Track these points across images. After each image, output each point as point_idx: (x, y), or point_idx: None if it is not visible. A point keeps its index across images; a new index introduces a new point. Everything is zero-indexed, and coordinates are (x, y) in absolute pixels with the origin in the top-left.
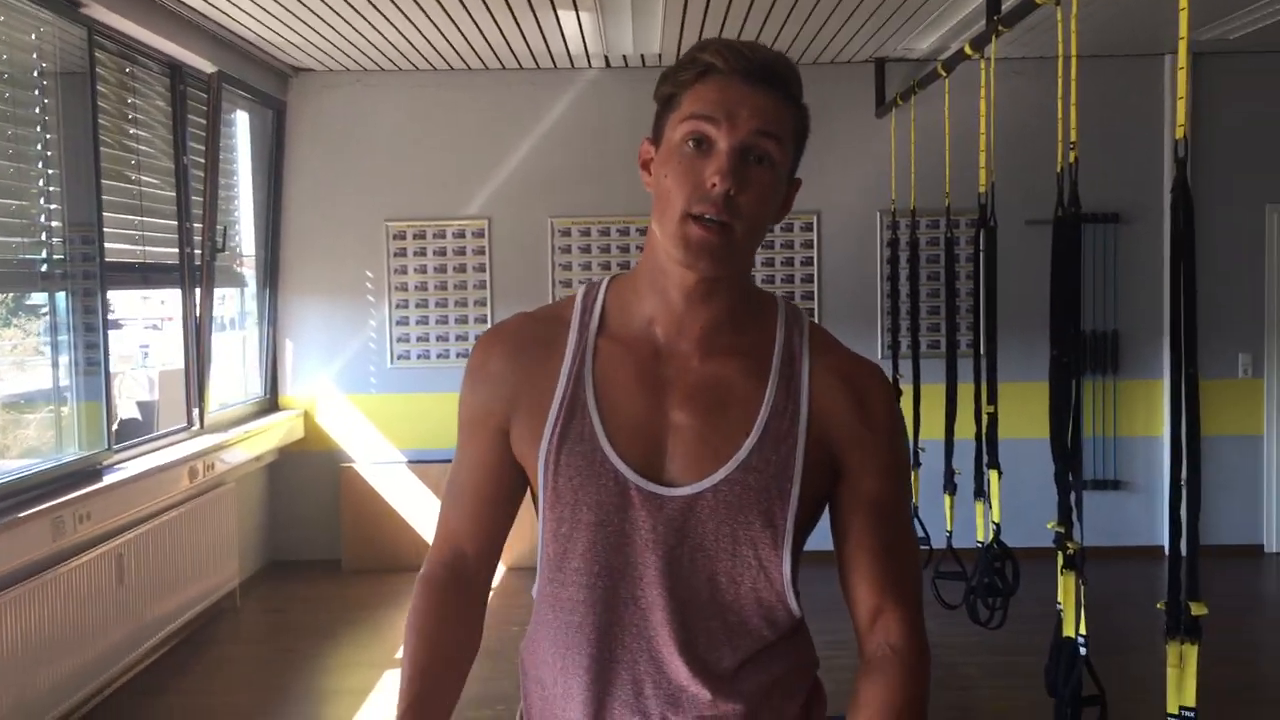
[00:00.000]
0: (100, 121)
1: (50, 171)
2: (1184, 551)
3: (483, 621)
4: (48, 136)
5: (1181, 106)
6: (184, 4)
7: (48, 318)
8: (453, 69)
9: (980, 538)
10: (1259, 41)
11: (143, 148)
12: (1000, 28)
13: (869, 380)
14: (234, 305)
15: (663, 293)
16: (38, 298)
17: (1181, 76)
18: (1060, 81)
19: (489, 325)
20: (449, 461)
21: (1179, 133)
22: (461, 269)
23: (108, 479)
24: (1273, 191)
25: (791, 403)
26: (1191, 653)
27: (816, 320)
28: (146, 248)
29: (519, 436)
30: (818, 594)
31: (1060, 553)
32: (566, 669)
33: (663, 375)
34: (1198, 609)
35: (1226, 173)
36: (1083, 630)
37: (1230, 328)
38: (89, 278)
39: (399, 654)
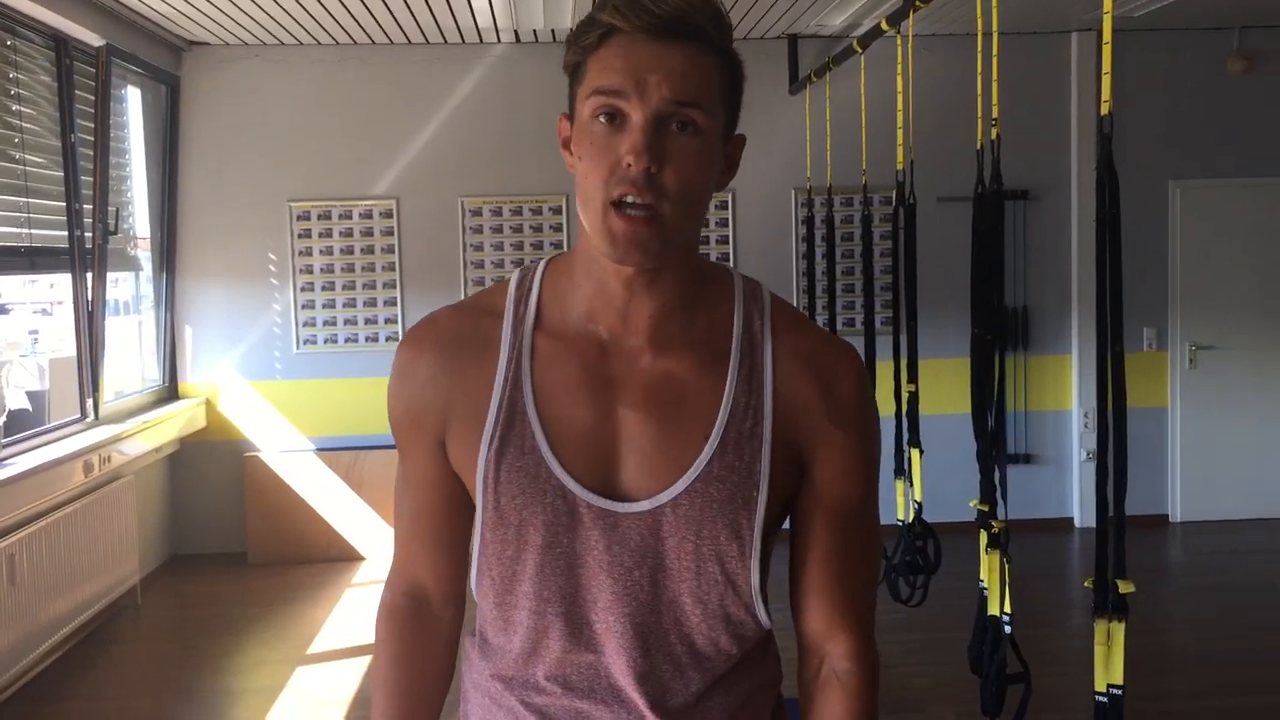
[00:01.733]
0: None
1: None
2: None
3: (455, 650)
4: None
5: (1106, 82)
6: None
7: None
8: (357, 43)
9: (900, 516)
10: (1161, 20)
11: (27, 125)
12: (918, 3)
13: (838, 365)
14: (128, 289)
15: (600, 282)
16: None
17: (1105, 51)
18: (980, 58)
19: (399, 308)
20: (359, 449)
21: (1104, 109)
22: (369, 250)
23: None
24: (1175, 167)
25: (754, 398)
26: (1119, 630)
27: None
28: (33, 230)
29: (455, 448)
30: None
31: (984, 531)
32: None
33: (610, 375)
34: (1125, 587)
35: (1130, 149)
36: (1007, 609)
37: (1135, 302)
38: None
39: (309, 649)
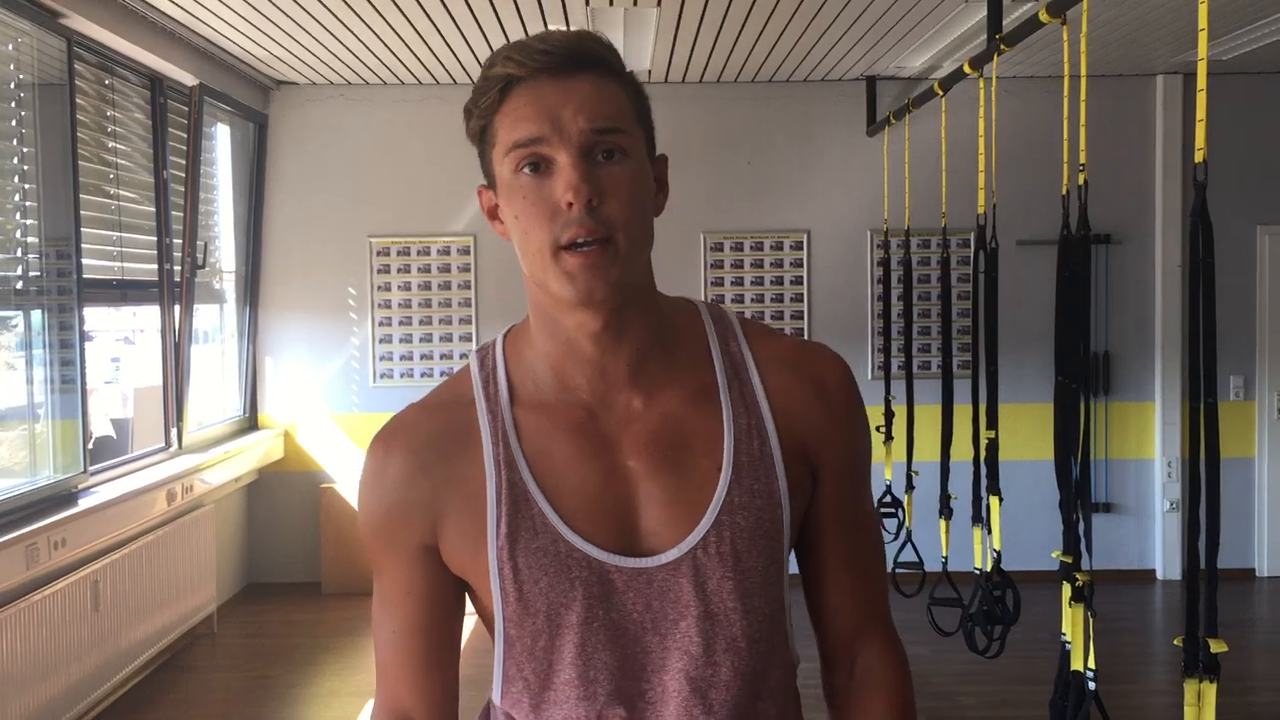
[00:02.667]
0: (79, 134)
1: (27, 186)
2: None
3: None
4: (24, 150)
5: (1200, 130)
6: (166, 15)
7: (21, 333)
8: (439, 82)
9: (978, 564)
10: (1250, 63)
11: (122, 161)
12: (1002, 46)
13: (823, 365)
14: (212, 321)
15: (568, 343)
16: (11, 314)
17: (1200, 99)
18: (1066, 101)
19: (474, 343)
20: None
21: (1198, 156)
22: (446, 286)
23: (83, 503)
24: (1263, 213)
25: (753, 417)
26: (1210, 691)
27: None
28: (125, 264)
29: (454, 550)
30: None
31: (1067, 583)
32: None
33: (604, 433)
34: (1217, 646)
35: (1217, 194)
36: (1091, 664)
37: (1221, 350)
38: (65, 294)
39: None
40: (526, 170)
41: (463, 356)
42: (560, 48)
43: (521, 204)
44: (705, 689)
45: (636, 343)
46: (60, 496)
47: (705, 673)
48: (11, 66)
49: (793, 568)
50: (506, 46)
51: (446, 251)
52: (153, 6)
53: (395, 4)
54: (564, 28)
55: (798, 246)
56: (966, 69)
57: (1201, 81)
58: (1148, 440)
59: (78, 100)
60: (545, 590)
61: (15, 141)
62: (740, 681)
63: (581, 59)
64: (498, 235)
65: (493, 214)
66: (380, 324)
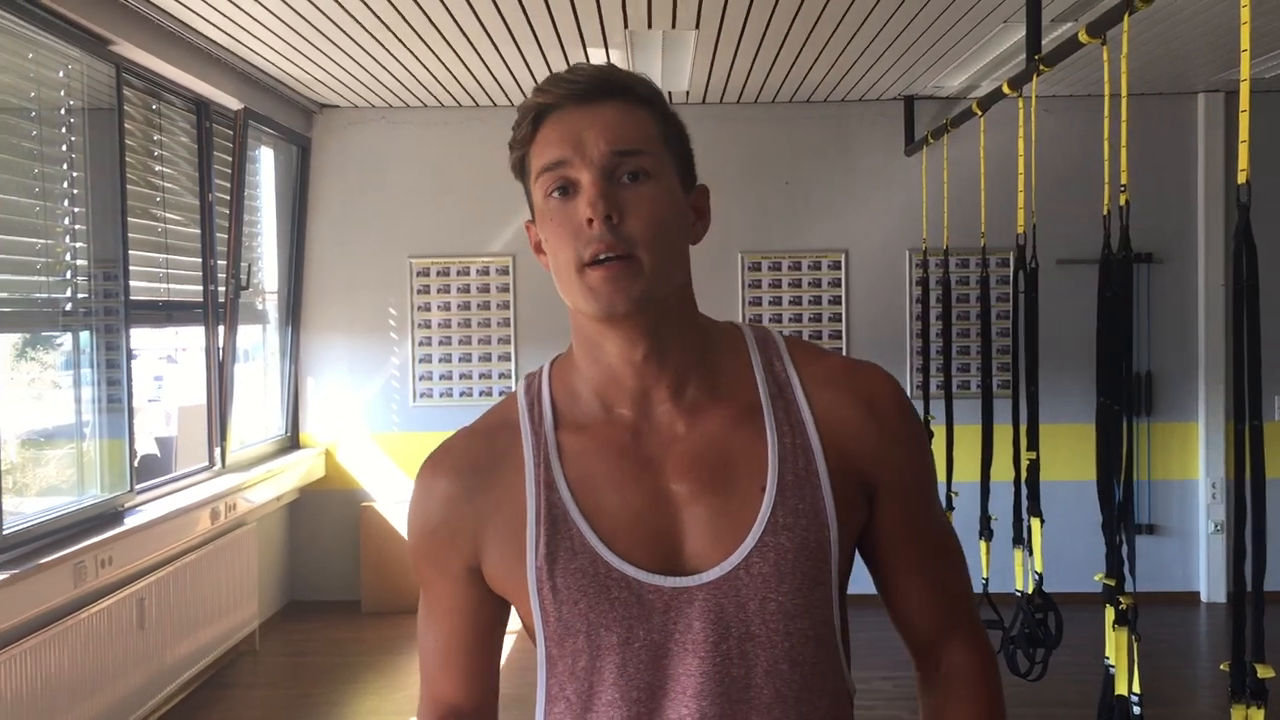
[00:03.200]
0: (127, 159)
1: (76, 209)
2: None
3: None
4: (74, 174)
5: (1244, 151)
6: (211, 41)
7: (68, 353)
8: (479, 105)
9: (1019, 586)
10: None
11: (168, 185)
12: (1042, 66)
13: (874, 384)
14: (255, 341)
15: (609, 367)
16: (59, 335)
17: (1243, 120)
18: (1107, 121)
19: (512, 363)
20: None
21: (1241, 177)
22: (485, 306)
23: (130, 521)
24: None
25: (799, 437)
26: (1258, 717)
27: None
28: (171, 285)
29: (495, 571)
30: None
31: (1111, 607)
32: None
33: (646, 454)
34: (1264, 671)
35: (1261, 213)
36: (1135, 688)
37: (1266, 370)
38: (112, 314)
39: None
40: (555, 194)
41: (502, 376)
42: (587, 77)
43: (551, 226)
44: (748, 712)
45: (677, 366)
46: (107, 515)
47: (746, 695)
48: (62, 93)
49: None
50: (541, 81)
51: (486, 271)
52: (199, 33)
53: (436, 29)
54: (618, 59)
55: (836, 266)
56: (1005, 89)
57: (1244, 103)
58: (1191, 461)
59: (126, 125)
60: (584, 611)
61: (65, 166)
62: (783, 705)
63: (608, 87)
64: (534, 256)
65: (538, 248)
66: (420, 344)
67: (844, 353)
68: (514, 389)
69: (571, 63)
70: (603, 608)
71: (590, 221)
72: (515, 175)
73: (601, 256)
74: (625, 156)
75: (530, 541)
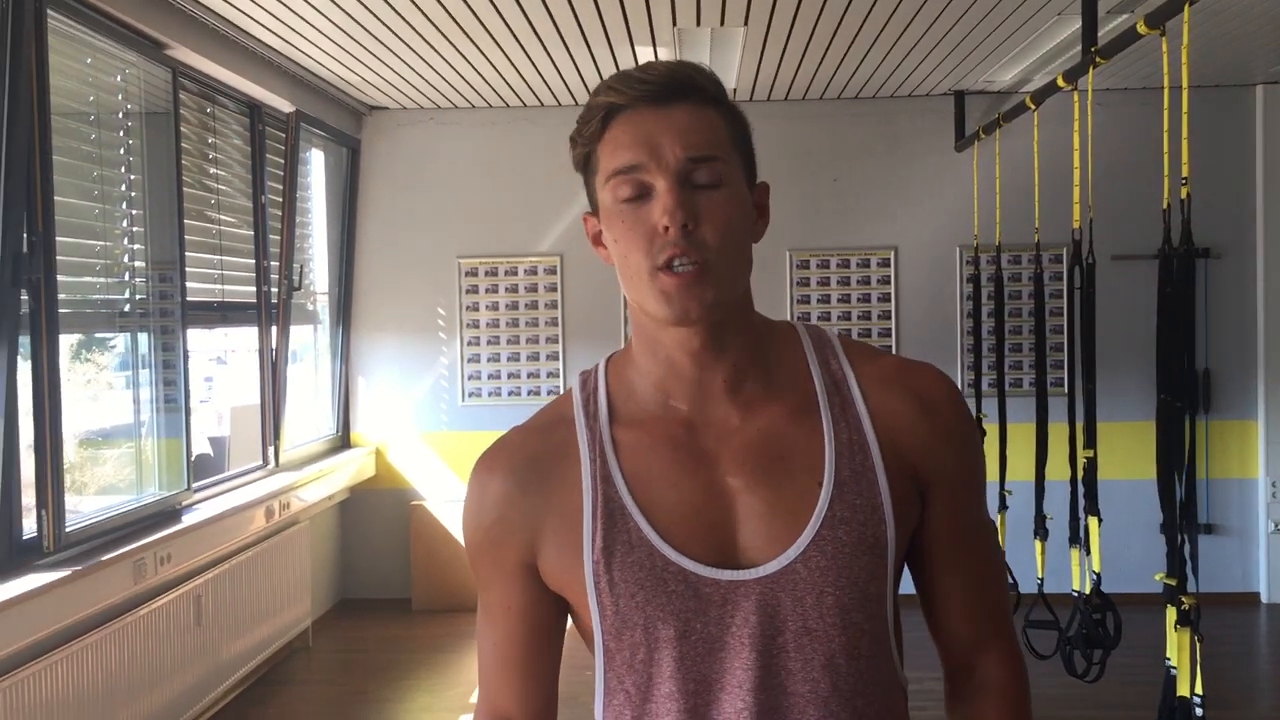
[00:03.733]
0: (183, 161)
1: (134, 212)
2: None
3: None
4: (132, 177)
5: None
6: (264, 45)
7: (124, 354)
8: (526, 106)
9: (1076, 586)
10: None
11: (222, 187)
12: (1098, 59)
13: (928, 382)
14: (306, 341)
15: (668, 362)
16: (116, 336)
17: None
18: (1166, 113)
19: (560, 361)
20: None
21: None
22: (533, 306)
23: (187, 519)
24: None
25: (855, 432)
26: None
27: None
28: (225, 286)
29: (552, 566)
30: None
31: (1172, 607)
32: None
33: (702, 448)
34: None
35: None
36: (1199, 690)
37: None
38: (169, 315)
39: (472, 698)
40: (626, 197)
41: (550, 375)
42: (659, 77)
43: (621, 229)
44: (805, 705)
45: (734, 359)
46: (165, 513)
47: (804, 689)
48: (120, 97)
49: (908, 586)
50: (610, 77)
51: (534, 271)
52: (252, 36)
53: (486, 29)
54: (666, 57)
55: (885, 264)
56: (1060, 82)
57: None
58: (1251, 459)
59: (181, 128)
60: (642, 604)
61: (123, 169)
62: (839, 699)
63: (680, 88)
64: (586, 255)
65: (596, 240)
66: (469, 343)
67: (894, 351)
68: (568, 387)
69: (620, 62)
70: (660, 600)
71: (666, 229)
72: (577, 169)
73: (676, 262)
74: (700, 163)
75: (587, 535)
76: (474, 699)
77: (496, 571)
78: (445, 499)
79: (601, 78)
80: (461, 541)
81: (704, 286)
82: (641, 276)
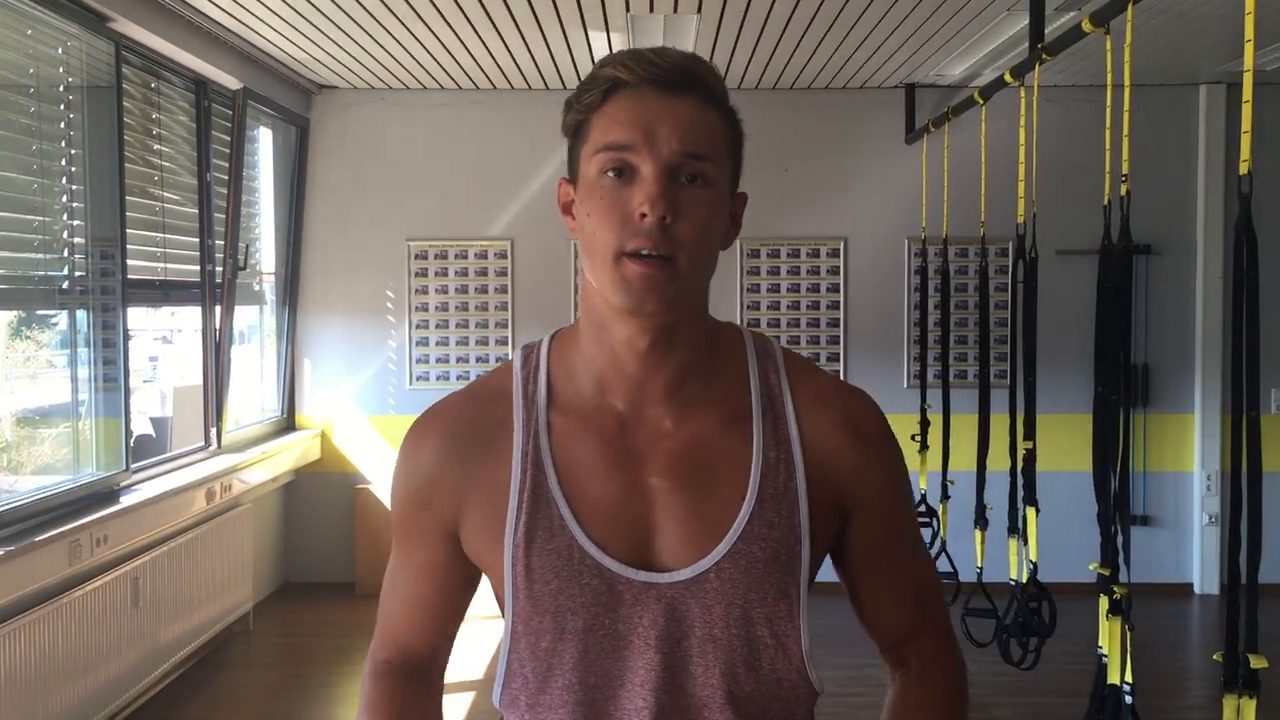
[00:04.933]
0: (125, 137)
1: (74, 187)
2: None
3: (441, 711)
4: (72, 151)
5: (1245, 141)
6: (211, 20)
7: (64, 332)
8: (478, 88)
9: (1014, 575)
10: None
11: (166, 164)
12: (1044, 55)
13: (859, 409)
14: (251, 321)
15: (613, 353)
16: (55, 313)
17: (1246, 111)
18: (1109, 111)
19: (510, 347)
20: None
21: (1243, 168)
22: (483, 290)
23: (125, 500)
24: None
25: (783, 450)
26: (1250, 707)
27: (843, 348)
28: (168, 264)
29: (472, 539)
30: (833, 626)
31: (1105, 596)
32: None
33: (632, 447)
34: (1257, 662)
35: (1263, 205)
36: (1128, 678)
37: (1264, 362)
38: (109, 293)
39: None
40: (610, 174)
41: (499, 360)
42: (672, 64)
43: (598, 204)
44: (701, 708)
45: (678, 363)
46: (102, 494)
47: (702, 693)
48: (60, 70)
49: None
50: (622, 52)
51: (484, 255)
52: (198, 10)
53: (437, 9)
54: (619, 44)
55: (834, 254)
56: (1008, 78)
57: (1247, 93)
58: (1186, 453)
59: (124, 103)
60: (555, 592)
61: (64, 144)
62: (735, 707)
63: (688, 80)
64: (537, 240)
65: (567, 209)
66: (417, 326)
67: (842, 341)
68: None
69: (573, 47)
70: (572, 591)
71: (643, 216)
72: (565, 134)
73: (644, 251)
74: (692, 159)
75: (511, 516)
76: None
77: (419, 532)
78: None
79: (554, 62)
80: None
81: (666, 281)
82: (606, 258)
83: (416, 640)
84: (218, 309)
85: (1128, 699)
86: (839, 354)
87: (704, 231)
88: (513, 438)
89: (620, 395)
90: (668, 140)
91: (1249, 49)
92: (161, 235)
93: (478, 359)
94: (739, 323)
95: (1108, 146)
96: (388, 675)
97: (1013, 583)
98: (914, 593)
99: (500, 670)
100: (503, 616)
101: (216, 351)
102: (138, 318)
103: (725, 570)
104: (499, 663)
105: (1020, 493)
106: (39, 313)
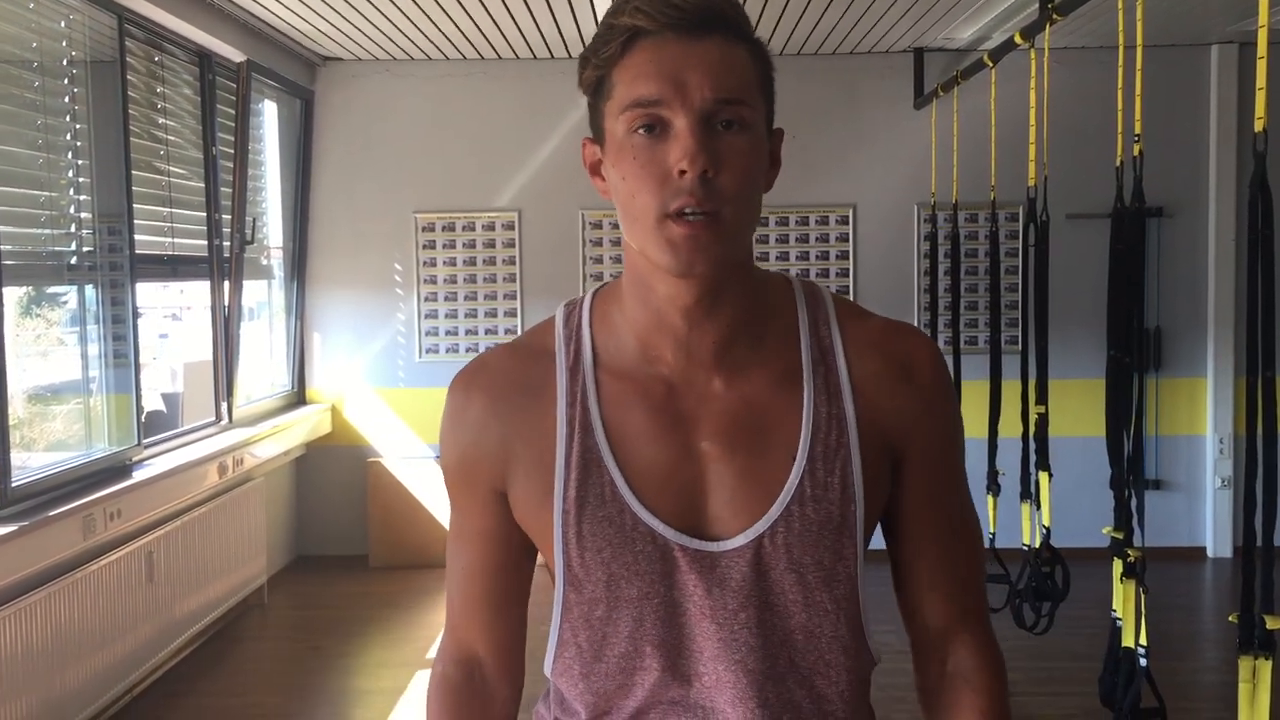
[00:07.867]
0: (130, 111)
1: (80, 162)
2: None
3: None
4: (77, 126)
5: (1260, 98)
6: None
7: (73, 309)
8: (483, 58)
9: (1026, 541)
10: None
11: (171, 138)
12: (1055, 16)
13: (912, 348)
14: (260, 296)
15: (658, 312)
16: (65, 290)
17: (1261, 67)
18: (1121, 72)
19: (519, 318)
20: None
21: (1258, 125)
22: (491, 261)
23: (138, 475)
24: None
25: (835, 405)
26: (1265, 668)
27: None
28: (175, 239)
29: (521, 501)
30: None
31: (1119, 560)
32: None
33: (681, 410)
34: (1273, 622)
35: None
36: (1143, 640)
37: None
38: (117, 269)
39: (429, 654)
40: (641, 131)
41: (508, 331)
42: (692, 5)
43: (631, 165)
44: (761, 681)
45: (726, 321)
46: (115, 469)
47: (762, 665)
48: (64, 44)
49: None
50: None
51: (491, 227)
52: None
53: None
54: (605, 10)
55: (843, 221)
56: (1018, 39)
57: (1262, 49)
58: (1199, 416)
59: (129, 77)
60: (607, 560)
61: (68, 118)
62: (796, 676)
63: (712, 19)
64: (545, 211)
65: (595, 170)
66: (426, 299)
67: None
68: (553, 316)
69: (578, 15)
70: (625, 559)
71: (683, 173)
72: (584, 91)
73: (688, 210)
74: (727, 105)
75: (559, 482)
76: (430, 654)
77: (470, 495)
78: (402, 455)
79: (560, 31)
80: (418, 498)
81: (714, 240)
82: (648, 221)
83: (480, 640)
84: (226, 284)
85: (1142, 661)
86: None
87: (748, 180)
88: (556, 400)
89: (667, 357)
90: (699, 88)
91: (1264, 3)
92: (168, 210)
93: (487, 330)
94: None
95: (1119, 107)
96: (448, 684)
97: (1026, 548)
98: (956, 565)
99: (552, 639)
100: (552, 582)
101: (226, 326)
102: (148, 295)
103: (779, 535)
104: (550, 634)
105: (1033, 458)
106: (49, 290)
